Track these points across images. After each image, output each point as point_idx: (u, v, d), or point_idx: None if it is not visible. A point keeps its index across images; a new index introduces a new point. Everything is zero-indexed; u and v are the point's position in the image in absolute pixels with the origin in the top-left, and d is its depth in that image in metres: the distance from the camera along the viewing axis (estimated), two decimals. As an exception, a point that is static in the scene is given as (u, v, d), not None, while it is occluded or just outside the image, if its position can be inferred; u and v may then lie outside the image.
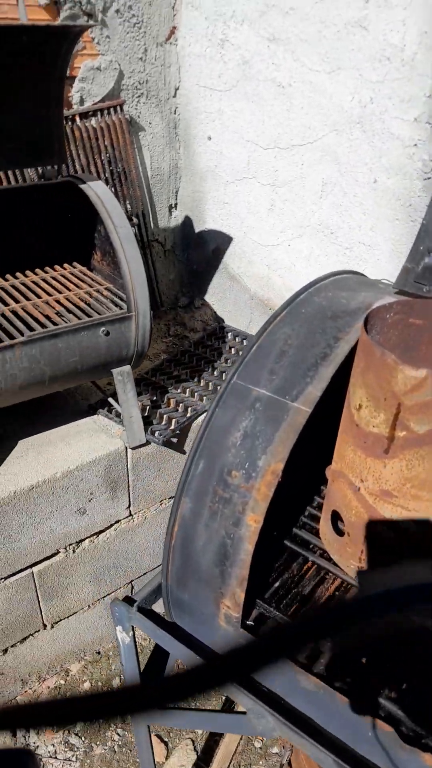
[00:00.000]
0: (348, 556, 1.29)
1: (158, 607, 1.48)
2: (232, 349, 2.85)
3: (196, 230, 2.99)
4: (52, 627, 2.40)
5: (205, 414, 1.31)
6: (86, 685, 2.60)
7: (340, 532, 1.29)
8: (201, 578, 1.25)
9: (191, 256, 3.09)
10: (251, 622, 1.28)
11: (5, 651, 2.28)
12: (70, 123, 2.46)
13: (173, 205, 2.97)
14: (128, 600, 1.43)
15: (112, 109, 2.54)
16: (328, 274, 1.57)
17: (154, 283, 2.95)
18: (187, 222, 3.00)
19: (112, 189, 2.65)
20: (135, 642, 1.47)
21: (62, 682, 2.59)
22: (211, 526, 1.20)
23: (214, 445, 1.22)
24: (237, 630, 1.23)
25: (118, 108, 2.55)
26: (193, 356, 2.76)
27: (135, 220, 2.06)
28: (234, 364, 2.35)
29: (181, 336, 2.98)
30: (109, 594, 2.54)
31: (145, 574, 2.65)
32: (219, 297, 3.06)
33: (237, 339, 2.93)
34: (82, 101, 2.49)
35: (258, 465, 1.16)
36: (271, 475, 1.14)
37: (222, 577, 1.21)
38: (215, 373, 2.65)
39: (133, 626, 1.43)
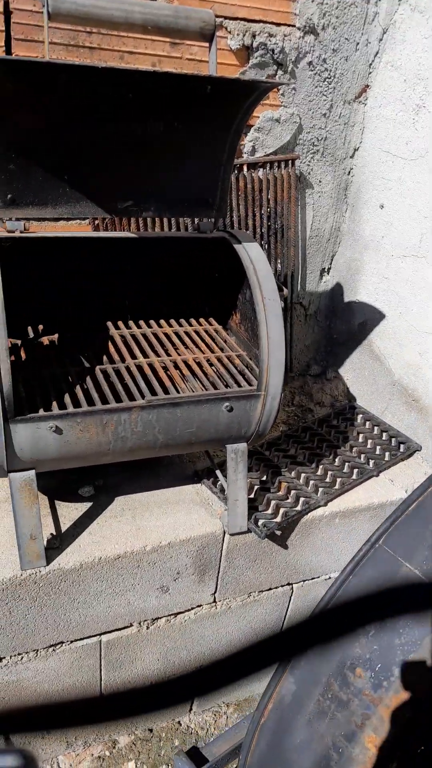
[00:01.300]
0: None
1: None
2: (360, 436, 2.57)
3: (346, 300, 2.75)
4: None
5: (343, 577, 1.06)
6: (131, 765, 2.40)
7: None
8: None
9: (334, 325, 2.85)
10: None
11: (56, 713, 2.13)
12: (236, 172, 2.33)
13: (326, 270, 2.76)
14: (196, 755, 1.19)
15: (282, 163, 2.38)
16: None
17: (288, 347, 2.74)
18: (337, 289, 2.76)
19: (266, 245, 2.48)
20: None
21: (107, 753, 2.40)
22: (316, 726, 0.95)
23: (340, 623, 0.97)
24: None
25: (290, 162, 2.39)
26: (315, 435, 2.51)
27: (285, 292, 1.86)
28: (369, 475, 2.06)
29: (306, 408, 2.74)
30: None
31: (216, 662, 2.41)
32: (355, 373, 2.79)
33: (368, 425, 2.64)
34: (253, 151, 2.35)
35: (393, 672, 0.89)
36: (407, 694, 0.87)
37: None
38: (336, 461, 2.37)
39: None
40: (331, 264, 2.75)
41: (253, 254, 1.88)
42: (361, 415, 2.70)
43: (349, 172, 2.56)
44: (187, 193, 1.89)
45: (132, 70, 1.40)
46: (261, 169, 2.37)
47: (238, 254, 1.88)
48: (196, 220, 2.20)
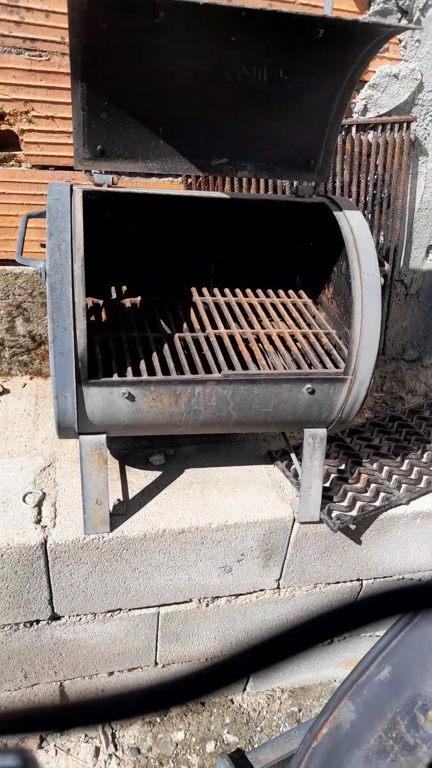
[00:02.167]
0: None
1: None
2: (454, 431, 2.35)
3: (452, 279, 2.51)
4: (164, 667, 2.20)
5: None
6: (179, 735, 2.39)
7: None
8: None
9: (436, 306, 2.61)
10: None
11: (111, 674, 2.14)
12: (343, 133, 2.13)
13: (433, 245, 2.52)
14: (239, 759, 1.12)
15: (396, 125, 2.16)
16: None
17: (382, 328, 2.54)
18: (444, 268, 2.52)
19: (369, 215, 2.28)
20: None
21: (158, 719, 2.40)
22: (375, 765, 0.83)
23: (413, 657, 0.84)
24: None
25: (405, 125, 2.16)
26: (404, 426, 2.32)
27: (387, 267, 1.68)
28: None
29: (396, 395, 2.55)
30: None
31: (274, 647, 2.34)
32: (455, 362, 2.56)
33: (463, 419, 2.41)
34: (365, 110, 2.14)
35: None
36: None
37: None
38: (425, 457, 2.18)
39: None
40: (439, 240, 2.51)
41: (354, 223, 1.71)
42: (456, 409, 2.48)
43: (472, 139, 2.29)
44: (288, 152, 1.73)
45: (235, 7, 1.26)
46: (371, 132, 2.15)
47: (338, 222, 1.71)
48: (295, 183, 2.04)
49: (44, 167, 1.98)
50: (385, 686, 0.85)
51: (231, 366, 1.67)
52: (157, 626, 2.04)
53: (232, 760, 1.11)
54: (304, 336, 1.89)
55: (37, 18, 1.76)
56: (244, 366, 1.69)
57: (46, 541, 1.70)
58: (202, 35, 1.41)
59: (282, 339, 1.86)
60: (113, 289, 2.02)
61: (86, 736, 2.29)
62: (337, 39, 1.43)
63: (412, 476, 2.09)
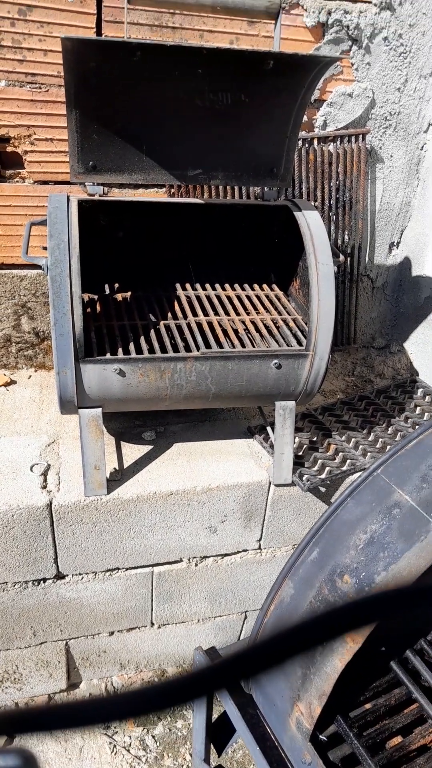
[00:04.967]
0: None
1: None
2: (418, 409, 2.61)
3: (414, 273, 2.78)
4: (159, 628, 2.44)
5: (339, 500, 1.19)
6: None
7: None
8: (283, 669, 1.14)
9: (400, 299, 2.89)
10: (324, 738, 1.15)
11: (112, 633, 2.38)
12: (306, 145, 2.43)
13: (395, 243, 2.79)
14: (212, 652, 1.37)
15: (354, 137, 2.45)
16: None
17: (353, 319, 2.81)
18: (406, 263, 2.80)
19: (334, 217, 2.57)
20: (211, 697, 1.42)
21: (156, 679, 2.64)
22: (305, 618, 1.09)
23: (335, 539, 1.10)
24: (305, 741, 1.11)
25: (361, 137, 2.45)
26: (371, 405, 2.58)
27: (341, 258, 1.95)
28: (400, 440, 2.14)
29: (366, 379, 2.81)
30: (221, 616, 2.52)
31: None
32: (420, 348, 2.82)
33: (427, 399, 2.67)
34: (325, 125, 2.43)
35: (374, 580, 1.02)
36: (385, 596, 0.99)
37: (303, 680, 1.09)
38: (390, 430, 2.44)
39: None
40: (400, 238, 2.79)
41: (311, 221, 1.99)
42: (421, 389, 2.74)
43: (422, 147, 2.58)
44: (253, 163, 2.02)
45: (197, 47, 1.54)
46: (332, 143, 2.45)
47: (297, 221, 1.99)
48: (261, 189, 2.33)
49: (45, 182, 2.27)
50: (314, 564, 1.10)
51: (208, 346, 1.94)
52: (152, 585, 2.28)
53: (205, 653, 1.36)
54: (274, 322, 2.16)
55: (36, 56, 2.06)
56: (220, 346, 1.96)
57: (51, 503, 1.95)
58: (173, 69, 1.71)
59: (254, 324, 2.13)
60: (107, 286, 2.30)
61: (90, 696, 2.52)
62: (286, 68, 1.72)
63: (378, 446, 2.35)
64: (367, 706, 1.20)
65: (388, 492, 1.09)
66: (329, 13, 2.19)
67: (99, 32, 2.07)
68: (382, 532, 1.05)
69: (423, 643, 1.30)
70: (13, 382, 2.52)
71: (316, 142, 2.43)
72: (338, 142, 2.45)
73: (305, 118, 2.38)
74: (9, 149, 2.18)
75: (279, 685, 1.16)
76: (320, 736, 1.14)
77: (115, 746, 2.40)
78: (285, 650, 0.40)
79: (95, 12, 2.04)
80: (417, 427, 1.11)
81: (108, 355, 1.84)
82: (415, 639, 1.32)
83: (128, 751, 2.39)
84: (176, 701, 0.38)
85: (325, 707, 1.10)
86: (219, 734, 1.42)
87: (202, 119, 1.88)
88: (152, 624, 2.43)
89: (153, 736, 2.46)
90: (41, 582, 2.12)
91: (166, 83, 1.76)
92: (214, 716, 1.56)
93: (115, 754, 2.38)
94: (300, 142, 2.41)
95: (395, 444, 1.14)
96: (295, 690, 1.12)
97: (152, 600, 2.33)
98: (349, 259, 2.66)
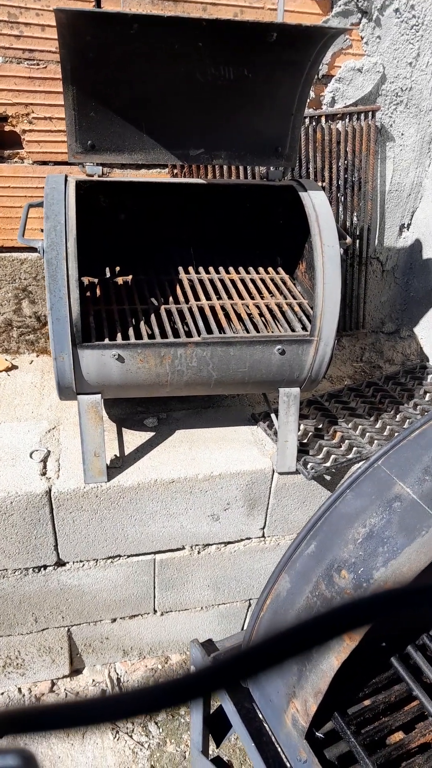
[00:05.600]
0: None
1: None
2: (428, 396, 2.55)
3: (425, 256, 2.70)
4: (162, 615, 2.43)
5: (335, 497, 1.14)
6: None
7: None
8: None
9: (411, 282, 2.81)
10: (321, 735, 1.11)
11: (114, 620, 2.37)
12: (314, 123, 2.35)
13: (405, 225, 2.71)
14: (209, 646, 1.34)
15: (363, 115, 2.36)
16: None
17: (361, 303, 2.75)
18: (417, 246, 2.72)
19: (342, 198, 2.49)
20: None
21: (159, 666, 2.63)
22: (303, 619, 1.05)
23: (333, 532, 1.05)
24: (300, 739, 1.08)
25: (370, 114, 2.37)
26: (379, 391, 2.53)
27: (348, 240, 1.89)
28: (409, 424, 2.08)
29: (375, 365, 2.75)
30: (224, 603, 2.49)
31: (264, 596, 2.55)
32: (431, 333, 2.75)
33: (435, 385, 2.61)
34: (333, 102, 2.35)
35: (372, 576, 0.97)
36: (383, 593, 0.95)
37: (299, 676, 1.06)
38: (398, 417, 2.39)
39: (205, 674, 1.35)
40: (411, 220, 2.71)
41: (317, 202, 1.92)
42: (431, 376, 2.68)
43: (435, 125, 2.49)
44: (257, 142, 1.95)
45: (196, 18, 1.47)
46: (340, 121, 2.36)
47: (302, 201, 1.93)
48: (265, 169, 2.26)
49: (44, 163, 2.22)
50: (312, 557, 1.06)
51: (210, 331, 1.89)
52: (154, 573, 2.26)
53: (202, 646, 1.33)
54: (279, 306, 2.10)
55: (34, 31, 1.99)
56: (222, 331, 1.91)
57: (50, 491, 1.93)
58: (173, 42, 1.64)
59: (258, 308, 2.07)
60: (107, 269, 2.25)
61: (94, 681, 2.52)
62: (290, 41, 1.65)
63: (385, 433, 2.29)
64: (366, 702, 1.17)
65: (389, 484, 1.04)
66: (338, -16, 2.10)
67: (98, 4, 2.00)
68: (382, 526, 1.00)
69: (425, 639, 1.26)
70: (14, 366, 2.49)
71: (323, 119, 2.35)
72: (347, 120, 2.36)
73: (312, 94, 2.30)
74: (7, 128, 2.13)
75: (275, 681, 1.13)
76: (317, 733, 1.11)
77: (117, 732, 2.40)
78: (283, 652, 0.40)
79: (94, -16, 1.97)
80: (423, 415, 1.07)
81: (107, 341, 1.80)
82: (417, 634, 1.28)
83: (131, 736, 2.39)
84: (175, 702, 0.39)
85: (322, 704, 1.06)
86: (217, 725, 1.40)
87: (204, 96, 1.81)
88: (155, 611, 2.41)
89: (156, 723, 2.46)
90: (42, 569, 2.11)
91: (166, 58, 1.69)
92: (214, 706, 1.53)
93: (117, 739, 2.37)
94: (307, 120, 2.33)
95: (398, 434, 1.09)
96: (290, 686, 1.09)
97: (155, 587, 2.31)
98: (357, 241, 2.58)
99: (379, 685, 1.20)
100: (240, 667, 0.40)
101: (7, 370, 2.45)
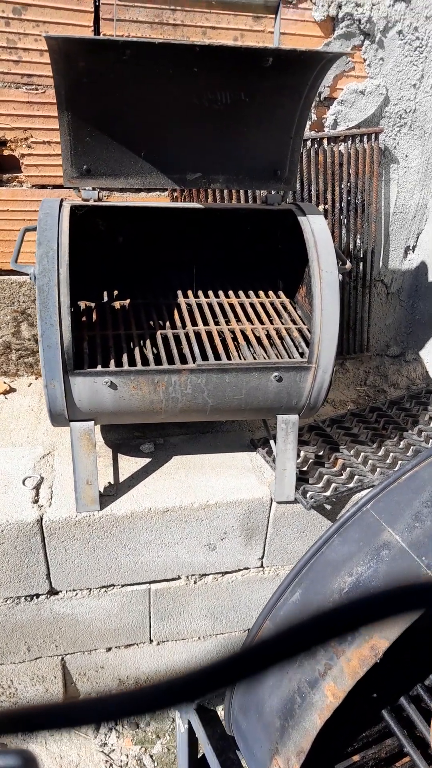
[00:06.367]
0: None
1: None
2: (432, 421, 2.49)
3: (431, 279, 2.65)
4: (158, 644, 2.37)
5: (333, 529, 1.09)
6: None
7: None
8: (262, 718, 1.05)
9: (417, 305, 2.76)
10: (306, 794, 1.05)
11: (109, 649, 2.32)
12: (316, 145, 2.32)
13: (411, 247, 2.67)
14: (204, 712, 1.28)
15: (366, 137, 2.33)
16: None
17: (365, 325, 2.70)
18: (422, 268, 2.67)
19: (346, 220, 2.45)
20: (191, 733, 1.33)
21: (157, 696, 2.56)
22: (286, 669, 0.99)
23: (318, 580, 1.00)
24: (283, 798, 1.02)
25: (373, 136, 2.33)
26: (383, 416, 2.47)
27: (348, 265, 1.85)
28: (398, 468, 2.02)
29: (379, 389, 2.69)
30: (222, 633, 2.43)
31: (264, 627, 2.48)
32: (436, 357, 2.69)
33: (441, 410, 2.55)
34: (335, 124, 2.32)
35: (359, 631, 0.92)
36: (369, 650, 0.89)
37: (281, 732, 1.00)
38: (401, 444, 2.33)
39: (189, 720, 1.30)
40: (416, 242, 2.66)
41: (316, 227, 1.89)
42: (437, 401, 2.61)
43: (440, 146, 2.45)
44: (256, 165, 1.92)
45: (188, 44, 1.45)
46: (342, 143, 2.33)
47: (301, 227, 1.89)
48: (264, 193, 2.23)
49: (43, 186, 2.21)
50: (296, 605, 1.01)
51: (205, 357, 1.85)
52: (149, 602, 2.21)
53: (198, 710, 1.28)
54: (277, 331, 2.06)
55: (32, 57, 1.99)
56: (218, 357, 1.87)
57: (41, 519, 1.89)
58: (167, 67, 1.62)
59: (256, 334, 2.03)
60: (105, 293, 2.22)
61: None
62: (286, 66, 1.62)
63: (388, 461, 2.23)
64: (356, 758, 1.10)
65: (377, 530, 0.99)
66: (339, 7, 2.08)
67: (97, 31, 2.00)
68: (369, 576, 0.95)
69: (419, 689, 1.20)
70: (12, 389, 2.46)
71: (326, 142, 2.32)
72: (350, 142, 2.33)
73: (314, 116, 2.28)
74: (6, 152, 2.12)
75: (258, 735, 1.07)
76: (301, 793, 1.05)
77: (111, 765, 2.33)
78: (265, 658, 0.40)
79: (92, 10, 1.96)
80: (419, 453, 1.01)
81: (99, 367, 1.76)
82: (411, 684, 1.21)
83: (125, 771, 2.32)
84: (165, 705, 0.39)
85: (307, 761, 1.00)
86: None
87: (201, 120, 1.79)
88: (151, 641, 2.35)
89: (151, 756, 2.39)
90: (34, 597, 2.06)
91: (161, 82, 1.67)
92: (201, 752, 1.47)
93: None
94: (309, 143, 2.30)
95: (387, 476, 1.04)
96: (273, 742, 1.03)
97: (150, 617, 2.26)
98: (361, 263, 2.54)
99: (369, 739, 1.14)
100: (225, 671, 0.40)
101: (5, 393, 2.43)
